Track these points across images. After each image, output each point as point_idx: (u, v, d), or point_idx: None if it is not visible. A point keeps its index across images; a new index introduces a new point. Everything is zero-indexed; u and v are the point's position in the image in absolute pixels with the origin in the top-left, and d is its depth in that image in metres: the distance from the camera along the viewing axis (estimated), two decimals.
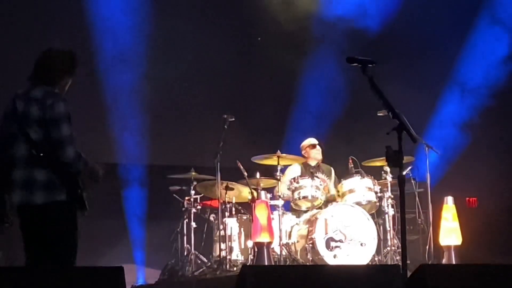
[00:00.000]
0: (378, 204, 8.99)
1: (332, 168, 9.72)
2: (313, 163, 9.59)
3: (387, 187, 8.99)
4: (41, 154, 5.10)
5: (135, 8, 10.57)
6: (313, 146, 9.63)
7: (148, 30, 10.70)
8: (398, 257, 8.61)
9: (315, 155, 9.60)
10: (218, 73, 11.05)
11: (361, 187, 8.95)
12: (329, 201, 9.18)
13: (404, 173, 4.61)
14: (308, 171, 9.33)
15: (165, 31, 10.89)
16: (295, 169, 9.52)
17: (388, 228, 8.88)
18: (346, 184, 9.03)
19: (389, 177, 8.98)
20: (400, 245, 8.34)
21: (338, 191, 9.17)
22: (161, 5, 10.82)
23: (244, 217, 9.15)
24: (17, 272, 4.45)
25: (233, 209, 9.19)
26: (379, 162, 9.00)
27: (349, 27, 11.21)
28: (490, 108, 10.98)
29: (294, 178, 9.05)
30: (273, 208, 8.80)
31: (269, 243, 8.42)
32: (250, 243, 8.74)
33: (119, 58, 10.62)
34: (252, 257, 8.55)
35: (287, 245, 8.75)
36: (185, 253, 9.21)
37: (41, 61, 5.29)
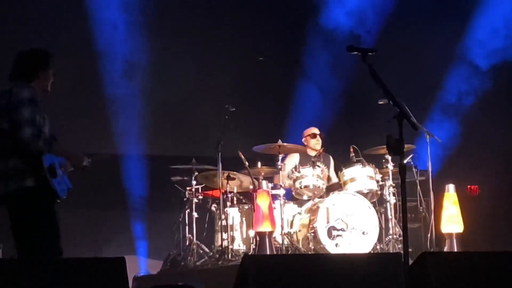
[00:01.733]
0: (379, 192, 8.99)
1: (331, 157, 9.71)
2: (312, 153, 9.56)
3: (389, 176, 8.98)
4: (10, 142, 5.27)
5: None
6: (314, 135, 9.62)
7: (150, 23, 10.71)
8: (399, 245, 8.60)
9: (315, 145, 9.59)
10: (220, 63, 11.04)
11: (362, 176, 8.94)
12: (333, 189, 9.18)
13: (405, 161, 4.60)
14: (309, 160, 9.31)
15: (168, 22, 10.89)
16: (293, 158, 9.51)
17: (390, 217, 8.88)
18: (348, 172, 9.03)
19: (390, 166, 8.97)
20: (401, 233, 8.33)
21: (339, 179, 9.17)
22: None
23: (246, 207, 9.15)
24: (17, 264, 4.46)
25: (235, 198, 9.19)
26: (380, 150, 8.98)
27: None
28: (491, 94, 10.96)
29: (295, 167, 9.04)
30: (274, 197, 8.80)
31: (271, 233, 8.42)
32: (251, 233, 8.74)
33: (121, 52, 10.63)
34: (254, 247, 8.56)
35: (288, 234, 8.75)
36: (187, 243, 9.21)
37: (15, 61, 5.60)
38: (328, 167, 9.53)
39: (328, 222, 8.55)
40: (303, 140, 9.67)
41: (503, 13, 11.09)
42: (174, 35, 10.94)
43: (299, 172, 8.96)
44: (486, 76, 11.10)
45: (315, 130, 9.66)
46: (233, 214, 9.05)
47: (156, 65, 10.81)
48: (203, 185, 9.45)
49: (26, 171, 5.27)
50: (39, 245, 5.29)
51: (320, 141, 9.61)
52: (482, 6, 11.08)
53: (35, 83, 5.51)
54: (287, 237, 8.65)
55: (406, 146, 4.42)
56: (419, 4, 11.34)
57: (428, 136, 9.03)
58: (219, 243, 8.97)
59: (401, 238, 8.40)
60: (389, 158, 8.98)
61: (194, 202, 9.29)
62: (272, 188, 8.82)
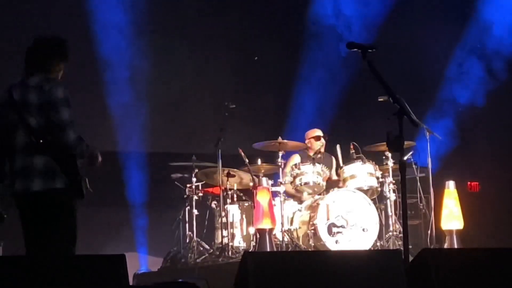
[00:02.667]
0: (379, 189, 9.00)
1: (333, 158, 9.67)
2: (312, 153, 9.53)
3: (389, 172, 8.99)
4: (41, 141, 5.11)
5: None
6: (318, 138, 9.56)
7: (150, 22, 10.71)
8: (400, 242, 8.61)
9: (318, 146, 9.53)
10: (219, 60, 11.04)
11: (362, 173, 8.95)
12: (331, 185, 9.18)
13: (405, 158, 4.62)
14: (309, 158, 9.30)
15: (166, 19, 10.89)
16: (294, 160, 9.49)
17: (390, 213, 8.89)
18: (348, 169, 9.03)
19: (390, 162, 8.98)
20: (401, 230, 8.33)
21: (339, 177, 9.18)
22: None
23: (246, 204, 9.15)
24: (18, 262, 4.45)
25: (235, 196, 9.20)
26: (380, 147, 8.99)
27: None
28: (492, 90, 10.96)
29: (295, 165, 9.04)
30: (274, 194, 8.80)
31: (271, 230, 8.42)
32: (252, 230, 8.75)
33: (120, 48, 10.62)
34: (254, 244, 8.57)
35: (289, 231, 8.76)
36: (187, 241, 9.22)
37: (34, 49, 5.33)
38: (330, 168, 9.49)
39: (328, 219, 8.56)
40: (306, 141, 9.62)
41: (504, 9, 11.08)
42: (174, 33, 10.94)
43: (299, 169, 8.96)
44: (487, 72, 11.09)
45: (319, 132, 9.59)
46: (233, 211, 9.05)
47: (156, 62, 10.81)
48: (203, 182, 9.46)
49: (57, 171, 5.11)
50: (60, 247, 5.14)
51: (324, 143, 9.58)
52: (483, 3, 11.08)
53: (56, 74, 5.32)
54: (287, 234, 8.66)
55: (406, 143, 4.42)
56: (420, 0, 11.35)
57: (428, 133, 9.03)
58: (219, 240, 8.97)
59: (401, 235, 8.40)
60: (389, 155, 8.98)
61: (194, 199, 9.29)
62: (272, 185, 8.82)
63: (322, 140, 9.57)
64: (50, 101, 5.12)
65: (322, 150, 9.55)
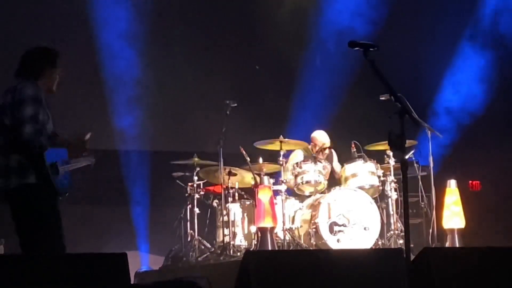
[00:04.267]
0: (381, 188, 9.00)
1: (333, 150, 9.70)
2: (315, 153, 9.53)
3: (390, 171, 8.99)
4: (12, 139, 5.28)
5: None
6: (324, 149, 9.50)
7: (150, 18, 10.70)
8: (401, 241, 8.61)
9: (321, 155, 9.49)
10: (221, 57, 11.03)
11: (364, 172, 8.95)
12: (336, 181, 9.21)
13: (406, 157, 4.62)
14: (311, 156, 9.31)
15: (168, 18, 10.89)
16: (298, 155, 9.51)
17: (391, 212, 8.88)
18: (349, 168, 9.04)
19: (391, 161, 8.97)
20: (403, 228, 8.35)
21: (341, 175, 9.18)
22: None
23: (247, 203, 9.15)
24: (19, 260, 4.46)
25: (236, 194, 9.19)
26: (382, 146, 8.98)
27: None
28: (494, 89, 10.95)
29: (297, 163, 9.05)
30: (276, 193, 8.80)
31: (273, 228, 8.42)
32: (253, 228, 8.74)
33: (121, 49, 10.63)
34: (255, 242, 8.57)
35: (290, 230, 8.76)
36: (189, 239, 9.22)
37: (22, 58, 5.58)
38: (331, 161, 9.53)
39: (329, 218, 8.56)
40: (311, 145, 9.59)
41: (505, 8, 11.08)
42: (175, 33, 10.94)
43: (300, 167, 8.97)
44: (488, 70, 11.08)
45: (327, 144, 9.49)
46: (235, 209, 9.05)
47: (157, 62, 10.81)
48: (205, 180, 9.46)
49: (28, 167, 5.28)
50: (42, 242, 5.28)
51: (329, 151, 9.56)
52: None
53: (41, 82, 5.50)
54: (289, 233, 8.66)
55: (407, 141, 4.43)
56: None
57: (429, 132, 9.02)
58: (221, 238, 8.98)
59: (403, 233, 8.43)
60: (391, 153, 8.98)
61: (195, 197, 9.29)
62: (274, 183, 8.82)
63: (327, 151, 9.52)
64: (18, 98, 5.31)
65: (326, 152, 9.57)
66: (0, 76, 6.00)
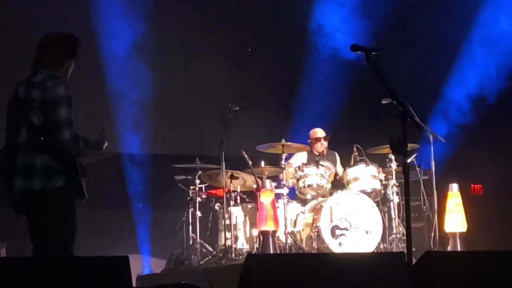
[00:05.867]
0: (383, 191, 9.00)
1: (336, 153, 9.73)
2: (317, 153, 9.60)
3: (392, 175, 8.99)
4: (42, 139, 5.11)
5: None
6: (318, 139, 9.60)
7: (151, 22, 10.72)
8: (403, 245, 8.61)
9: (319, 148, 9.59)
10: (223, 61, 11.04)
11: (366, 175, 8.95)
12: (339, 183, 9.21)
13: (408, 160, 4.61)
14: (313, 159, 9.33)
15: (169, 21, 10.90)
16: (301, 157, 9.53)
17: (393, 216, 8.89)
18: (351, 172, 9.04)
19: (393, 165, 8.97)
20: (405, 232, 8.35)
21: (343, 179, 9.19)
22: None
23: (249, 206, 9.16)
24: (22, 263, 4.46)
25: (238, 198, 9.19)
26: (384, 150, 8.99)
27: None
28: (496, 93, 10.95)
29: (299, 167, 9.06)
30: (278, 196, 8.81)
31: (274, 232, 8.43)
32: (255, 232, 8.75)
33: (124, 50, 10.64)
34: (257, 246, 8.57)
35: (292, 233, 8.76)
36: (191, 242, 9.22)
37: (42, 45, 5.30)
38: (334, 163, 9.56)
39: (331, 221, 8.56)
40: (308, 142, 9.66)
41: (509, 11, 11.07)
42: (176, 35, 10.95)
43: (302, 171, 8.98)
44: (491, 75, 11.08)
45: (320, 134, 9.62)
46: (237, 213, 9.06)
47: (159, 64, 10.82)
48: (207, 184, 9.46)
49: (57, 170, 5.11)
50: (60, 245, 5.15)
51: (324, 144, 9.61)
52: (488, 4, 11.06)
53: (60, 72, 5.28)
54: (291, 236, 8.66)
55: (409, 145, 4.42)
56: (423, 2, 11.33)
57: (431, 136, 9.03)
58: (223, 242, 8.98)
59: (405, 237, 8.41)
60: (393, 157, 8.98)
61: (197, 201, 9.29)
62: (276, 187, 8.83)
63: (323, 141, 9.59)
64: (51, 98, 5.09)
65: (325, 150, 9.59)
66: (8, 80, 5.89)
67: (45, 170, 5.10)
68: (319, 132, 9.68)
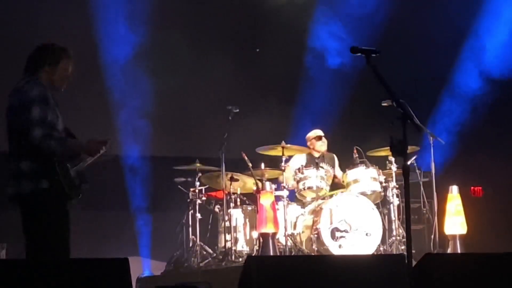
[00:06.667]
0: (383, 194, 9.00)
1: (334, 155, 9.75)
2: (317, 154, 9.63)
3: (392, 177, 8.99)
4: (22, 142, 5.21)
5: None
6: (319, 138, 9.65)
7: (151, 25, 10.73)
8: (403, 247, 8.61)
9: (320, 147, 9.63)
10: (223, 64, 11.05)
11: (365, 177, 8.95)
12: (337, 186, 9.21)
13: (408, 162, 4.61)
14: (313, 161, 9.34)
15: (169, 24, 10.91)
16: (300, 159, 9.54)
17: (393, 218, 8.89)
18: (351, 174, 9.03)
19: (393, 167, 8.98)
20: (405, 234, 8.35)
21: (343, 181, 9.19)
22: None
23: (249, 208, 9.16)
24: (21, 265, 4.46)
25: (238, 200, 9.20)
26: (384, 152, 8.99)
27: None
28: (496, 96, 10.95)
29: (298, 169, 9.06)
30: (278, 198, 8.81)
31: (274, 234, 8.43)
32: (255, 234, 8.75)
33: (124, 52, 10.65)
34: (257, 248, 8.57)
35: (292, 235, 8.76)
36: (191, 245, 9.22)
37: (29, 55, 5.49)
38: (333, 166, 9.58)
39: (331, 224, 8.56)
40: (308, 143, 9.68)
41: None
42: (177, 38, 10.95)
43: (302, 173, 8.98)
44: (491, 78, 11.09)
45: (320, 132, 9.69)
46: (237, 215, 9.06)
47: (160, 67, 10.83)
48: (207, 186, 9.46)
49: (40, 172, 5.19)
50: (51, 247, 5.22)
51: (326, 142, 9.65)
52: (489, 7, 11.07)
53: (43, 77, 5.38)
54: (291, 239, 8.66)
55: (409, 147, 4.42)
56: (423, 4, 11.33)
57: (431, 138, 9.03)
58: (223, 244, 8.98)
59: (405, 239, 8.42)
60: (393, 159, 8.99)
61: (197, 203, 9.30)
62: (276, 189, 8.83)
63: (324, 139, 9.63)
64: (24, 100, 5.22)
65: (325, 149, 9.61)
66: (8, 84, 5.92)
67: (31, 173, 5.20)
68: (319, 131, 9.72)
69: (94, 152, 5.47)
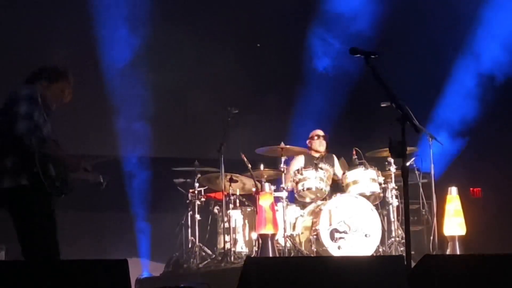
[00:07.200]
0: (382, 195, 9.00)
1: (334, 156, 9.74)
2: (316, 154, 9.63)
3: (391, 178, 8.99)
4: (8, 140, 5.29)
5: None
6: (317, 137, 9.67)
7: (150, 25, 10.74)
8: (402, 248, 8.62)
9: (317, 146, 9.65)
10: (222, 65, 11.05)
11: (365, 178, 8.95)
12: (337, 186, 9.22)
13: (407, 164, 4.62)
14: (312, 162, 9.34)
15: (169, 25, 10.91)
16: (299, 160, 9.55)
17: (392, 219, 8.89)
18: (350, 175, 9.04)
19: (393, 168, 8.98)
20: (404, 235, 8.35)
21: (342, 182, 9.19)
22: None
23: (248, 209, 9.15)
24: (19, 266, 4.46)
25: (237, 201, 9.20)
26: (383, 153, 8.99)
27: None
28: (495, 97, 10.95)
29: (298, 170, 9.06)
30: (277, 199, 8.81)
31: (274, 235, 8.42)
32: (254, 235, 8.74)
33: (124, 52, 10.65)
34: (256, 249, 8.56)
35: (291, 236, 8.76)
36: (190, 246, 9.22)
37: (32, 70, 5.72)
38: (332, 165, 9.58)
39: (330, 225, 8.55)
40: (307, 142, 9.71)
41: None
42: (176, 38, 10.95)
43: (301, 174, 8.97)
44: (490, 79, 11.09)
45: (319, 132, 9.72)
46: (236, 216, 9.06)
47: (159, 68, 10.83)
48: (206, 187, 9.46)
49: (21, 168, 5.26)
50: (37, 243, 5.28)
51: (324, 142, 9.66)
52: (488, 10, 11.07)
53: (38, 88, 5.52)
54: (290, 240, 8.66)
55: (408, 148, 4.43)
56: (423, 6, 11.34)
57: (430, 139, 9.03)
58: (222, 245, 8.97)
59: (404, 240, 8.42)
60: (392, 160, 8.99)
61: (196, 204, 9.30)
62: (275, 190, 8.83)
63: (322, 139, 9.64)
64: (13, 98, 5.35)
65: (323, 149, 9.62)
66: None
67: (12, 169, 5.28)
68: (319, 131, 9.77)
69: (73, 167, 5.59)
